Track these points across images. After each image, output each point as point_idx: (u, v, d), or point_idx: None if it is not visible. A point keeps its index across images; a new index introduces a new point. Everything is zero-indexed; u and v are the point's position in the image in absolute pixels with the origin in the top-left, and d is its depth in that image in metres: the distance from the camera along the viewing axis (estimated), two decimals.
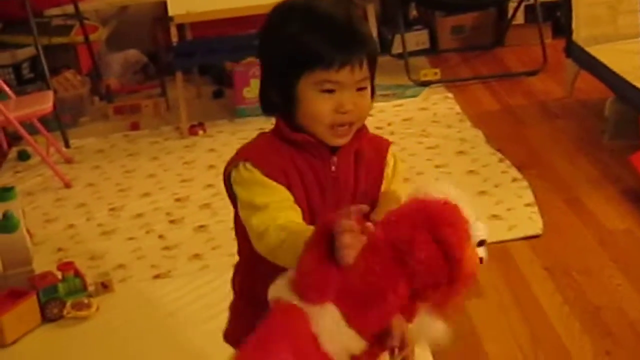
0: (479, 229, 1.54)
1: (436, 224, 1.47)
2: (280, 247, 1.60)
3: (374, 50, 1.74)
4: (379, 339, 1.57)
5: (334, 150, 1.76)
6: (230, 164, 1.78)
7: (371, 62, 1.72)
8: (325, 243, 1.45)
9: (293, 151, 1.74)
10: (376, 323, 1.52)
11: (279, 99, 1.75)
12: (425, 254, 1.46)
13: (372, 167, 1.80)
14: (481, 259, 1.56)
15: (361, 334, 1.50)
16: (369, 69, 1.72)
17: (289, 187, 1.71)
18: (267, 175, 1.70)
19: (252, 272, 1.86)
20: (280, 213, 1.65)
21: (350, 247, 1.42)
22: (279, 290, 1.51)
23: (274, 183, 1.70)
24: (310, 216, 1.72)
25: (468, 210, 1.52)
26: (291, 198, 1.70)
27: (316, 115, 1.70)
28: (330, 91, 1.69)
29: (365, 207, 1.51)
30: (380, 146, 1.85)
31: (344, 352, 1.51)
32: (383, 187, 1.81)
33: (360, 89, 1.71)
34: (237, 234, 1.88)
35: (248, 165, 1.72)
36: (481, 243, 1.55)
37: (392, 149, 1.86)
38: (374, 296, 1.49)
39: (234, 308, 2.02)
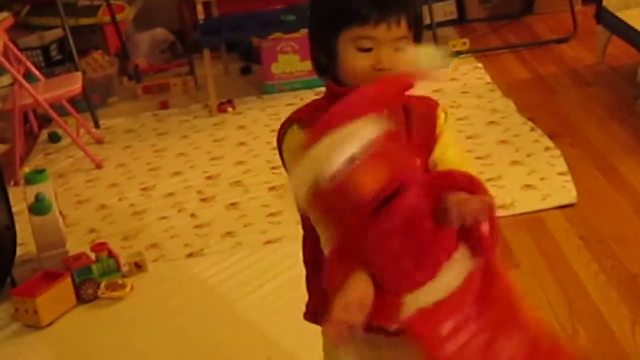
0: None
1: None
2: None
3: (415, 12, 1.75)
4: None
5: None
6: (281, 130, 1.80)
7: (413, 24, 1.73)
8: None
9: None
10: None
11: (324, 58, 1.78)
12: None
13: (424, 122, 1.80)
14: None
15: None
16: (410, 30, 1.72)
17: None
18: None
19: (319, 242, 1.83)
20: None
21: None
22: None
23: None
24: None
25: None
26: None
27: (355, 71, 1.72)
28: (368, 49, 1.70)
29: None
30: (430, 102, 1.85)
31: None
32: (438, 138, 1.81)
33: (398, 49, 1.71)
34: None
35: (295, 127, 1.76)
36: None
37: (442, 107, 1.87)
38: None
39: (309, 284, 1.97)
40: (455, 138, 1.84)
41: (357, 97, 1.56)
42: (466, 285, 1.61)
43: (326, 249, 1.66)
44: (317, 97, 1.87)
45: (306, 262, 1.94)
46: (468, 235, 1.61)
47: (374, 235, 1.52)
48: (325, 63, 1.78)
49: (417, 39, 1.76)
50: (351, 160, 1.47)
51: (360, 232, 1.53)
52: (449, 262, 1.60)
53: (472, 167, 1.78)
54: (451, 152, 1.79)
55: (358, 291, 1.54)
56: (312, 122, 1.71)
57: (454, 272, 1.60)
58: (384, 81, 1.63)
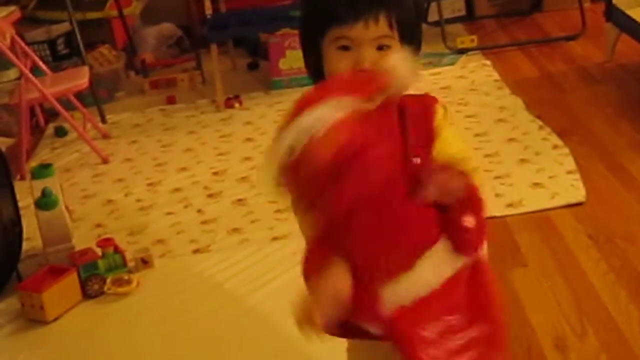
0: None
1: None
2: None
3: (400, 10, 1.69)
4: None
5: None
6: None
7: (396, 23, 1.68)
8: None
9: None
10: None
11: (313, 63, 1.76)
12: None
13: (420, 120, 1.74)
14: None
15: None
16: (396, 28, 1.68)
17: None
18: None
19: None
20: None
21: None
22: None
23: None
24: None
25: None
26: None
27: (336, 73, 1.70)
28: (347, 48, 1.68)
29: None
30: (427, 101, 1.79)
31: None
32: (437, 136, 1.74)
33: (381, 48, 1.68)
34: None
35: None
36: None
37: (440, 102, 1.80)
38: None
39: None
40: (455, 133, 1.78)
41: (331, 82, 1.59)
42: (449, 287, 1.55)
43: (305, 236, 1.63)
44: None
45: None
46: (450, 227, 1.54)
47: (343, 208, 1.47)
48: (314, 67, 1.76)
49: (405, 38, 1.71)
50: (310, 133, 1.44)
51: (337, 214, 1.49)
52: (428, 253, 1.53)
53: (472, 163, 1.76)
54: (450, 149, 1.72)
55: (333, 285, 1.50)
56: None
57: (434, 266, 1.53)
58: (361, 73, 1.61)
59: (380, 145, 1.48)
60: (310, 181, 1.45)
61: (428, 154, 1.71)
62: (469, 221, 1.54)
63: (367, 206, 1.48)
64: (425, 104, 1.78)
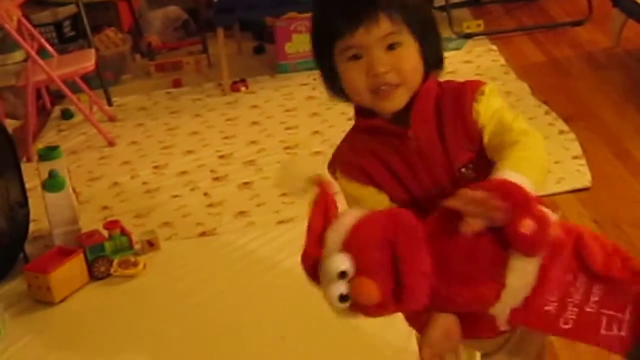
0: None
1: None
2: None
3: (400, 3, 1.61)
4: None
5: (407, 122, 1.65)
6: (329, 169, 1.75)
7: (402, 15, 1.61)
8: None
9: (372, 140, 1.68)
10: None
11: (331, 79, 1.70)
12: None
13: (457, 114, 1.66)
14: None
15: None
16: (401, 22, 1.60)
17: (376, 183, 1.67)
18: (353, 180, 1.69)
19: None
20: None
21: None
22: None
23: (361, 190, 1.68)
24: (409, 197, 1.67)
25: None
26: (381, 201, 1.66)
27: (352, 84, 1.63)
28: (357, 56, 1.61)
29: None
30: (463, 89, 1.68)
31: None
32: (483, 124, 1.65)
33: (391, 47, 1.61)
34: None
35: (338, 173, 1.71)
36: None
37: (483, 87, 1.67)
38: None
39: None
40: (503, 118, 1.66)
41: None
42: (544, 277, 1.55)
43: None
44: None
45: None
46: (512, 239, 1.51)
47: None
48: (333, 83, 1.69)
49: (415, 28, 1.63)
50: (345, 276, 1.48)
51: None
52: (508, 268, 1.54)
53: (523, 125, 1.69)
54: (497, 116, 1.65)
55: (441, 326, 1.56)
56: (345, 166, 1.70)
57: (520, 275, 1.54)
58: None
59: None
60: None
61: (474, 154, 1.65)
62: (526, 226, 1.49)
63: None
64: (460, 93, 1.68)
